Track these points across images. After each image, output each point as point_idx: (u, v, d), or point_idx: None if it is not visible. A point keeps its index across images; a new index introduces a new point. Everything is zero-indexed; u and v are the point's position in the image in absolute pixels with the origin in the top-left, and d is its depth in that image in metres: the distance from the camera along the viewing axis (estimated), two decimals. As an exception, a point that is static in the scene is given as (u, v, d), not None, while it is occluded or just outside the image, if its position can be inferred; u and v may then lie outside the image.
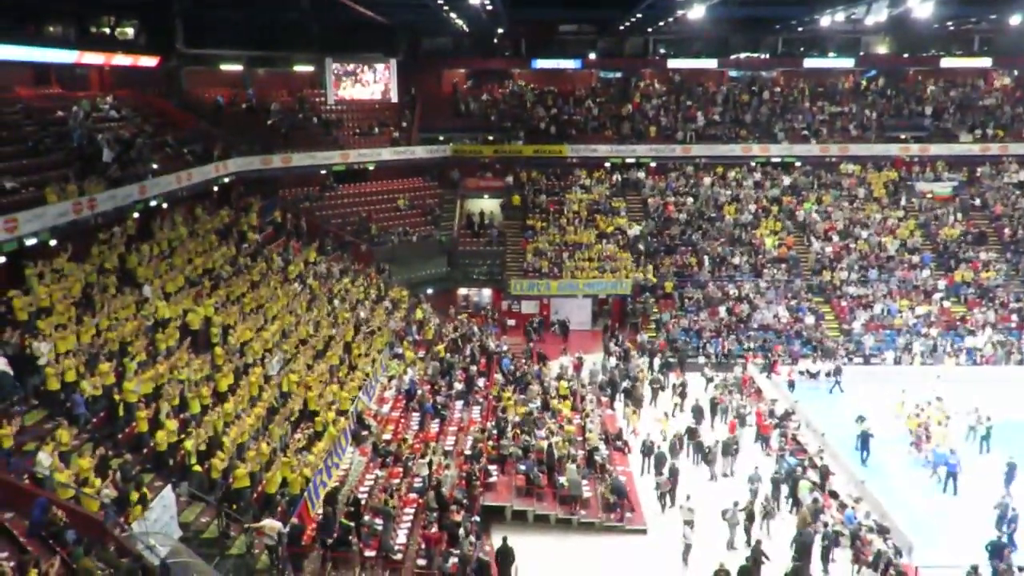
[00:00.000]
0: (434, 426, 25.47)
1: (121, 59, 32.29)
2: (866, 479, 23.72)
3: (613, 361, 33.70)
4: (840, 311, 37.85)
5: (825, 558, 19.51)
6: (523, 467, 22.89)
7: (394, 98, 44.88)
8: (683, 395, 29.49)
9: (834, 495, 22.31)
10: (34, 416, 17.02)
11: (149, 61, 34.50)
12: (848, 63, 49.09)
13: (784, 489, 22.95)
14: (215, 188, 33.03)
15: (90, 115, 29.37)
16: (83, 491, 14.60)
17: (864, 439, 25.83)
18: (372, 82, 44.12)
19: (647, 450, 24.84)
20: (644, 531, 21.67)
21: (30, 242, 20.44)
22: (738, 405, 28.63)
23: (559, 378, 30.96)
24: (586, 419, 27.21)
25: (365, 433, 23.56)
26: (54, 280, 21.29)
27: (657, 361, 33.93)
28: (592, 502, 22.24)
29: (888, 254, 40.60)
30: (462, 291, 41.49)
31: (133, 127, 30.87)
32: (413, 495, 20.52)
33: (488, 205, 44.90)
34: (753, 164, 45.76)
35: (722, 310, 37.69)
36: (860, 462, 25.62)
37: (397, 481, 20.60)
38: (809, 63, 48.60)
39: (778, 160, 45.64)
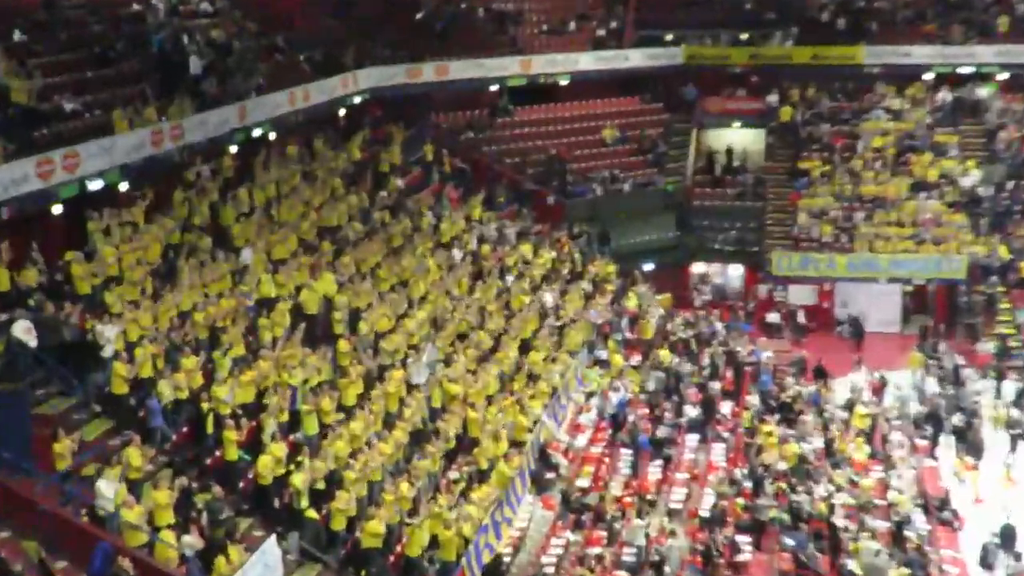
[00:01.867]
0: (654, 471, 25.36)
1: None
2: None
3: (935, 384, 32.34)
4: None
5: None
6: (791, 541, 22.64)
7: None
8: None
9: None
10: (96, 428, 17.86)
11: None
12: None
13: None
14: (341, 112, 34.24)
15: (176, 10, 30.99)
16: (159, 537, 15.23)
17: None
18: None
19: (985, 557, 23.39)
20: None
21: (94, 185, 21.56)
22: None
23: (849, 406, 30.35)
24: (891, 471, 26.65)
25: (551, 476, 23.73)
26: (125, 239, 22.37)
27: (1011, 386, 32.10)
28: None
29: None
30: (697, 268, 41.32)
31: (231, 25, 32.29)
32: (622, 573, 20.49)
33: (739, 138, 44.74)
34: None
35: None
36: None
37: (598, 551, 20.62)
38: None
39: None
